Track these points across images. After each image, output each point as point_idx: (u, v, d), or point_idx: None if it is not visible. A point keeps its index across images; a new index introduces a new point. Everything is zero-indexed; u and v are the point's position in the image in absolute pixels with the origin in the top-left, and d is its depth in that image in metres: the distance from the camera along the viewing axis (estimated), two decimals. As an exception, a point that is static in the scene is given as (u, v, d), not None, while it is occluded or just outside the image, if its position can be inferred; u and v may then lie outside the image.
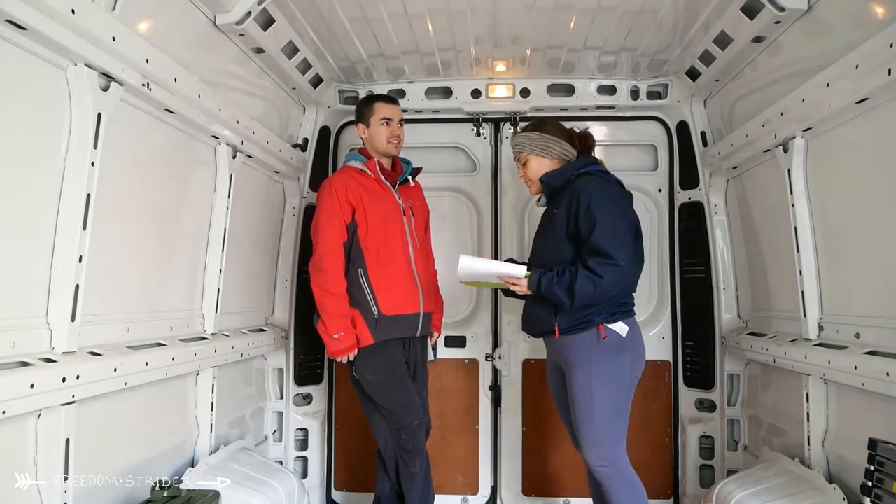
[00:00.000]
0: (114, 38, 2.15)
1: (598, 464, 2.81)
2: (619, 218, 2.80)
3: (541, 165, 3.01)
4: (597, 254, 2.73)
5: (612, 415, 2.82)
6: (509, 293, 3.16)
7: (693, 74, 3.71)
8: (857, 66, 2.33)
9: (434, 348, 3.49)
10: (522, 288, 2.88)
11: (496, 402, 4.16)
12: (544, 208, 3.13)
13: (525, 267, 2.88)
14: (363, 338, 3.16)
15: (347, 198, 3.17)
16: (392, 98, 3.43)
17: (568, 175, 2.94)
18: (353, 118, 4.14)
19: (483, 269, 2.97)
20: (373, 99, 3.39)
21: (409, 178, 3.40)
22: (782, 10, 2.68)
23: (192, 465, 2.97)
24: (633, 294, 2.97)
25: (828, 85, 2.51)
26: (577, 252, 2.84)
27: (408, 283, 3.25)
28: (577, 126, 3.18)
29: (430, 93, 4.10)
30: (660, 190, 4.13)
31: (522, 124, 3.20)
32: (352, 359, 3.15)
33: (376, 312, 3.16)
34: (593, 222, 2.74)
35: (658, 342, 4.05)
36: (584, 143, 3.06)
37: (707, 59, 3.43)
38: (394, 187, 3.31)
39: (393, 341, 3.22)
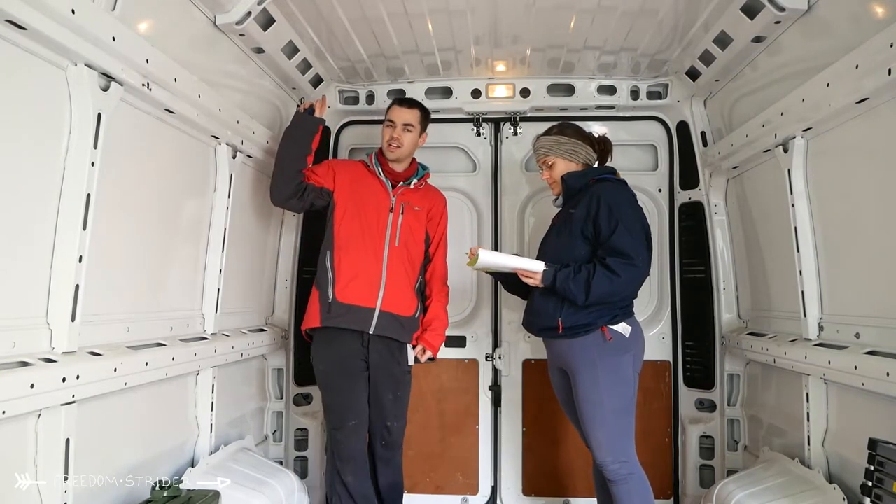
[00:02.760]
0: (114, 38, 2.15)
1: (612, 463, 2.84)
2: (638, 224, 2.89)
3: (567, 168, 3.09)
4: (616, 253, 2.80)
5: (622, 414, 2.86)
6: (512, 290, 3.18)
7: (693, 74, 3.71)
8: (857, 66, 2.33)
9: (416, 357, 3.36)
10: (535, 281, 2.89)
11: (496, 402, 4.16)
12: (558, 209, 3.20)
13: (542, 262, 2.91)
14: (312, 318, 3.18)
15: (334, 175, 3.31)
16: (407, 101, 3.42)
17: (588, 179, 3.03)
18: (352, 118, 4.23)
19: (501, 262, 2.99)
20: (393, 101, 3.45)
21: (414, 181, 3.41)
22: (782, 10, 2.68)
23: (192, 465, 2.97)
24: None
25: (828, 85, 2.51)
26: (590, 252, 2.90)
27: (370, 276, 3.20)
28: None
29: (430, 93, 4.10)
30: (660, 190, 4.13)
31: (545, 127, 3.24)
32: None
33: (330, 297, 3.17)
34: (615, 224, 2.82)
35: (658, 342, 4.05)
36: (602, 147, 3.16)
37: (707, 59, 3.43)
38: (393, 185, 3.35)
39: (350, 334, 3.17)
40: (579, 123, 3.30)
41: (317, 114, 3.30)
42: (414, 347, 3.36)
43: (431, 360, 3.45)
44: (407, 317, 3.29)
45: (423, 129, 3.40)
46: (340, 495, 3.16)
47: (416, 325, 3.35)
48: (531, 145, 3.23)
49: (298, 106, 3.34)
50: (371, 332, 3.19)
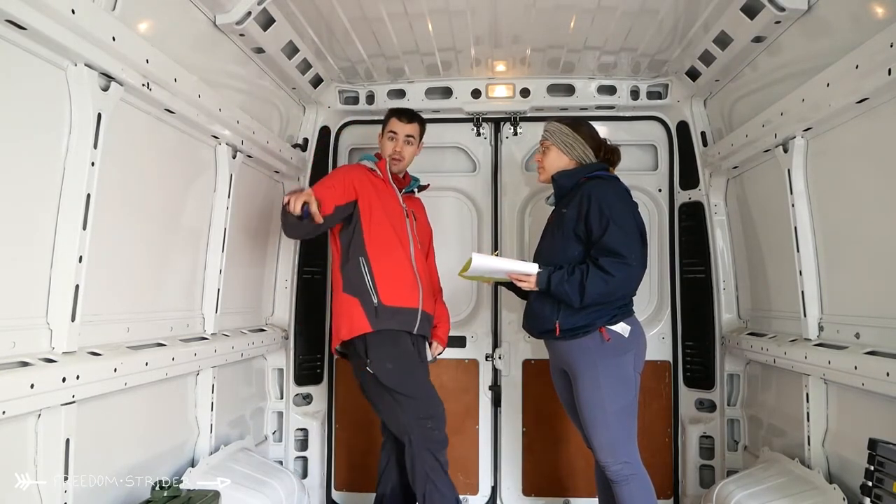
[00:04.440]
0: (114, 38, 2.15)
1: (614, 464, 2.82)
2: (631, 220, 2.84)
3: (558, 160, 3.05)
4: (609, 253, 2.76)
5: (624, 415, 2.84)
6: (511, 288, 3.18)
7: (693, 74, 3.71)
8: (857, 66, 2.33)
9: (432, 352, 3.46)
10: (530, 284, 2.87)
11: (496, 402, 4.16)
12: (551, 208, 3.17)
13: (536, 265, 2.89)
14: (361, 325, 3.14)
15: (353, 184, 3.21)
16: (408, 114, 3.39)
17: (579, 177, 2.99)
18: (352, 118, 4.24)
19: (494, 266, 2.97)
20: (391, 112, 3.42)
21: (414, 190, 3.47)
22: (782, 10, 2.68)
23: (192, 465, 2.97)
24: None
25: (828, 85, 2.51)
26: (584, 252, 2.87)
27: (408, 278, 3.24)
28: None
29: (430, 93, 4.10)
30: (660, 190, 4.13)
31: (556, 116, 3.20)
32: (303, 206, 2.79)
33: (376, 301, 3.15)
34: (606, 223, 2.78)
35: (658, 342, 4.05)
36: (608, 156, 3.09)
37: (707, 59, 3.43)
38: (399, 192, 3.37)
39: (403, 332, 3.20)
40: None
41: (316, 218, 2.83)
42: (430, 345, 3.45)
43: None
44: (432, 315, 3.39)
45: (421, 139, 3.43)
46: (442, 479, 3.09)
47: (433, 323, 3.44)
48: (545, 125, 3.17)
49: (286, 205, 2.79)
50: (415, 332, 3.25)
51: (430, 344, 3.45)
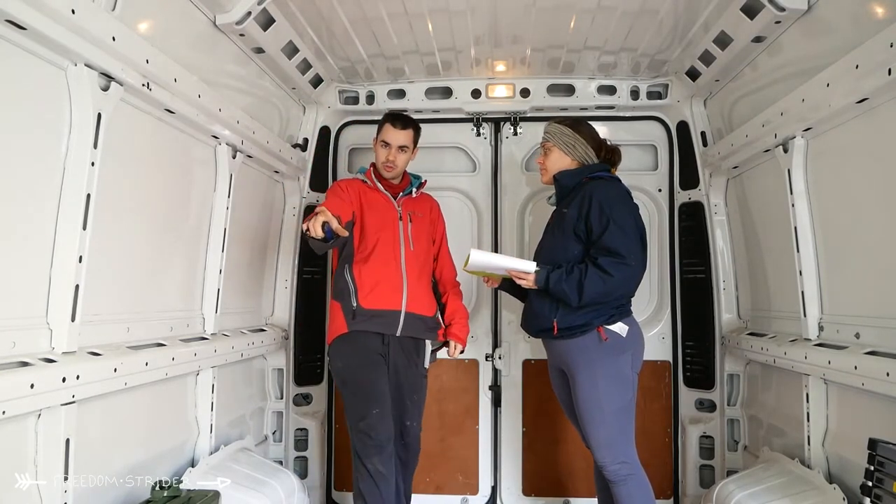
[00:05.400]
0: (114, 38, 2.15)
1: (611, 464, 2.82)
2: (631, 221, 2.85)
3: (560, 161, 3.06)
4: (608, 253, 2.77)
5: (621, 414, 2.85)
6: (510, 291, 3.17)
7: (693, 74, 3.71)
8: (857, 66, 2.33)
9: (433, 352, 3.40)
10: (529, 282, 2.88)
11: (496, 402, 4.16)
12: (552, 208, 3.18)
13: (535, 263, 2.89)
14: (338, 328, 3.18)
15: (346, 190, 3.26)
16: (402, 120, 3.31)
17: (581, 177, 2.99)
18: (352, 118, 4.25)
19: (493, 262, 2.96)
20: (385, 118, 3.35)
21: (413, 190, 3.42)
22: (782, 10, 2.68)
23: (192, 465, 2.97)
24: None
25: (828, 85, 2.51)
26: (584, 251, 2.88)
27: (392, 281, 3.22)
28: None
29: (430, 93, 4.10)
30: (660, 190, 4.13)
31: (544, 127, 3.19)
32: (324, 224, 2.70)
33: (355, 305, 3.17)
34: (606, 223, 2.79)
35: (658, 342, 4.06)
36: (609, 156, 3.10)
37: (707, 59, 3.43)
38: (395, 196, 3.35)
39: (372, 334, 3.19)
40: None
41: (340, 233, 2.75)
42: (445, 344, 3.40)
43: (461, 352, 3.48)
44: (430, 317, 3.34)
45: (416, 145, 3.38)
46: (369, 488, 3.01)
47: (437, 323, 3.40)
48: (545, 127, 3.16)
49: (306, 233, 2.73)
50: (398, 335, 3.21)
51: (448, 344, 3.39)
